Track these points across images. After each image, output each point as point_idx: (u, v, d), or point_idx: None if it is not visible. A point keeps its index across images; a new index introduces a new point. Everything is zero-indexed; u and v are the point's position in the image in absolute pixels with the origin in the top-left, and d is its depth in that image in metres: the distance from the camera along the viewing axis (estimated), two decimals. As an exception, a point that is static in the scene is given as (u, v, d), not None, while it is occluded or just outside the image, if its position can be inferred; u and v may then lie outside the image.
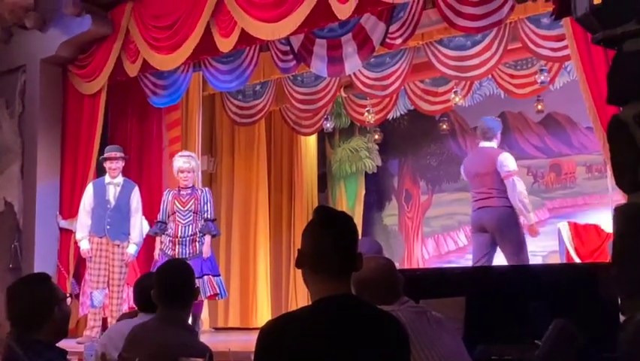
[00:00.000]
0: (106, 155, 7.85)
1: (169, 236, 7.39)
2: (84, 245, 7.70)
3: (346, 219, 2.37)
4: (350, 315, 2.25)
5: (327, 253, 2.26)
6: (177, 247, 7.33)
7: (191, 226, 7.38)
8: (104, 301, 7.65)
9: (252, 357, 2.99)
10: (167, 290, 3.47)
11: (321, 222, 2.33)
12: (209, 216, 7.49)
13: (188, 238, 7.36)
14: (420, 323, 2.82)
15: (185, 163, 7.53)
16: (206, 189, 7.81)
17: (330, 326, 2.20)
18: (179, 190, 7.54)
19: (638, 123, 2.19)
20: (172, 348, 3.14)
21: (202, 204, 7.46)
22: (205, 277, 7.32)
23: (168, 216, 7.47)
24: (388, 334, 2.28)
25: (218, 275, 7.54)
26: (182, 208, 7.43)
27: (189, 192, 7.51)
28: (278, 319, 2.31)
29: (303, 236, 2.35)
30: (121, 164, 7.85)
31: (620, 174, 2.27)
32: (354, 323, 2.23)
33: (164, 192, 7.74)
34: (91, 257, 7.67)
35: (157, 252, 7.50)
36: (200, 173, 7.87)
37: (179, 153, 7.88)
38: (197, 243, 7.38)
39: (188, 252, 7.31)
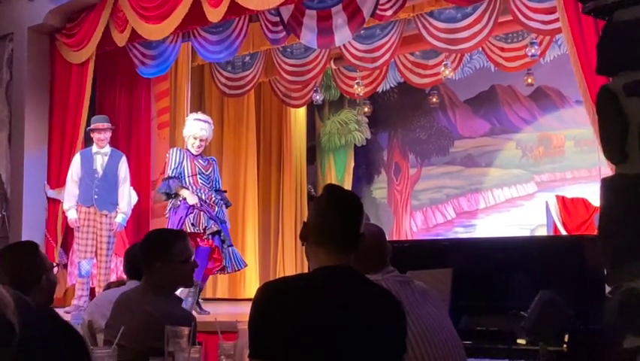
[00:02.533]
0: (93, 126, 7.79)
1: (198, 194, 7.08)
2: (72, 215, 7.66)
3: (354, 198, 2.45)
4: (348, 285, 2.29)
5: (332, 227, 2.32)
6: (215, 207, 7.14)
7: (213, 192, 7.24)
8: (91, 270, 7.64)
9: (238, 326, 3.01)
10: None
11: (330, 197, 2.39)
12: (220, 187, 7.41)
13: (219, 202, 7.23)
14: (404, 293, 2.82)
15: (203, 130, 7.26)
16: (214, 158, 7.67)
17: (327, 292, 2.24)
18: (192, 154, 7.25)
19: (627, 94, 2.19)
20: (157, 315, 3.14)
21: (215, 174, 7.37)
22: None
23: (182, 177, 7.13)
24: (385, 309, 2.31)
25: None
26: (204, 172, 7.21)
27: (203, 158, 7.34)
28: (276, 281, 2.37)
29: (310, 210, 2.43)
30: (108, 134, 7.78)
31: (608, 144, 2.27)
32: (351, 293, 2.27)
33: (173, 150, 7.37)
34: (78, 227, 7.64)
35: (185, 201, 7.03)
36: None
37: (195, 116, 7.54)
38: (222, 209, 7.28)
39: (222, 213, 7.20)
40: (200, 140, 7.28)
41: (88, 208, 7.63)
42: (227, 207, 7.48)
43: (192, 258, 3.41)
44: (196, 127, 7.30)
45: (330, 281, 2.26)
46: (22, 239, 7.84)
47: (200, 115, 7.61)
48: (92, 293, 7.59)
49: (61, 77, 8.82)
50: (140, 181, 8.54)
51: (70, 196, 7.71)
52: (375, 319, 2.25)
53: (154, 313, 3.20)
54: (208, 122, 7.44)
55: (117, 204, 7.67)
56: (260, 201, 10.88)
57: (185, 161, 7.17)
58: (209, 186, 7.21)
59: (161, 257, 3.29)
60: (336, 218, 2.33)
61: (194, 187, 7.12)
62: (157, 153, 8.82)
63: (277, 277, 10.49)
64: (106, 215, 7.63)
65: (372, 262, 2.94)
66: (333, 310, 2.19)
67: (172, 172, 7.15)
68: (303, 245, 2.41)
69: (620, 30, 2.23)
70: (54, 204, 8.53)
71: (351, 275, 2.32)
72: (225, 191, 7.60)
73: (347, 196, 2.44)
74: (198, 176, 7.17)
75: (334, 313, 2.19)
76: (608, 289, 2.39)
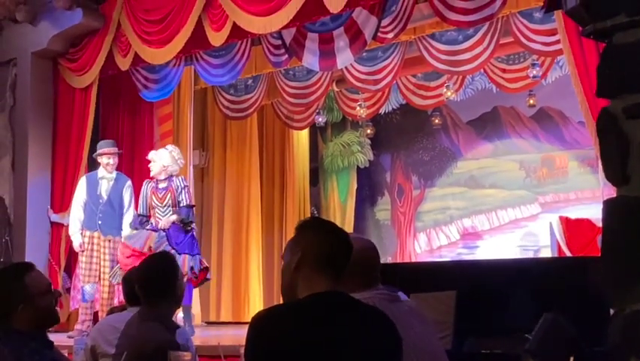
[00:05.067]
0: (104, 150, 7.81)
1: (152, 229, 7.41)
2: (77, 239, 7.67)
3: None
4: (346, 310, 2.28)
5: (340, 256, 2.38)
6: (170, 236, 7.32)
7: (170, 218, 7.39)
8: (95, 295, 7.63)
9: (241, 350, 2.99)
10: (149, 285, 3.43)
11: (334, 229, 2.44)
12: (184, 203, 7.46)
13: (172, 228, 7.38)
14: (390, 311, 2.79)
15: (153, 162, 7.58)
16: (180, 177, 7.70)
17: (325, 318, 2.22)
18: (157, 183, 7.53)
19: (627, 116, 2.19)
20: (148, 344, 3.14)
21: (177, 194, 7.43)
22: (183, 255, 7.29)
23: (149, 210, 7.52)
24: (383, 333, 2.30)
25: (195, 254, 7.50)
26: (159, 204, 7.44)
27: (165, 185, 7.49)
28: (270, 309, 2.35)
29: (309, 238, 2.39)
30: (116, 159, 7.84)
31: (609, 166, 2.26)
32: (349, 318, 2.26)
33: (143, 184, 7.69)
34: (83, 251, 7.65)
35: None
36: (177, 163, 7.68)
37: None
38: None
39: (178, 236, 7.35)
40: (154, 165, 7.54)
41: (92, 233, 7.65)
42: (182, 221, 7.49)
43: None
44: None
45: (329, 307, 2.26)
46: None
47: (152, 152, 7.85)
48: (95, 318, 7.57)
49: (64, 101, 8.85)
50: (143, 205, 8.53)
51: (75, 220, 7.73)
52: (373, 344, 2.24)
53: (136, 336, 3.22)
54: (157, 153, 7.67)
55: (122, 230, 7.69)
56: (263, 223, 10.86)
57: (147, 196, 7.56)
58: (164, 215, 7.40)
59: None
60: (346, 247, 2.39)
61: (152, 220, 7.47)
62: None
63: (281, 300, 10.45)
64: (110, 240, 7.64)
65: (364, 280, 2.91)
66: (332, 337, 2.18)
67: (140, 210, 7.63)
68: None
69: (620, 53, 2.23)
70: (57, 228, 8.53)
71: (348, 300, 2.33)
72: (191, 206, 7.61)
73: (339, 228, 2.49)
74: (155, 210, 7.48)
75: (333, 340, 2.17)
76: (612, 311, 2.38)
